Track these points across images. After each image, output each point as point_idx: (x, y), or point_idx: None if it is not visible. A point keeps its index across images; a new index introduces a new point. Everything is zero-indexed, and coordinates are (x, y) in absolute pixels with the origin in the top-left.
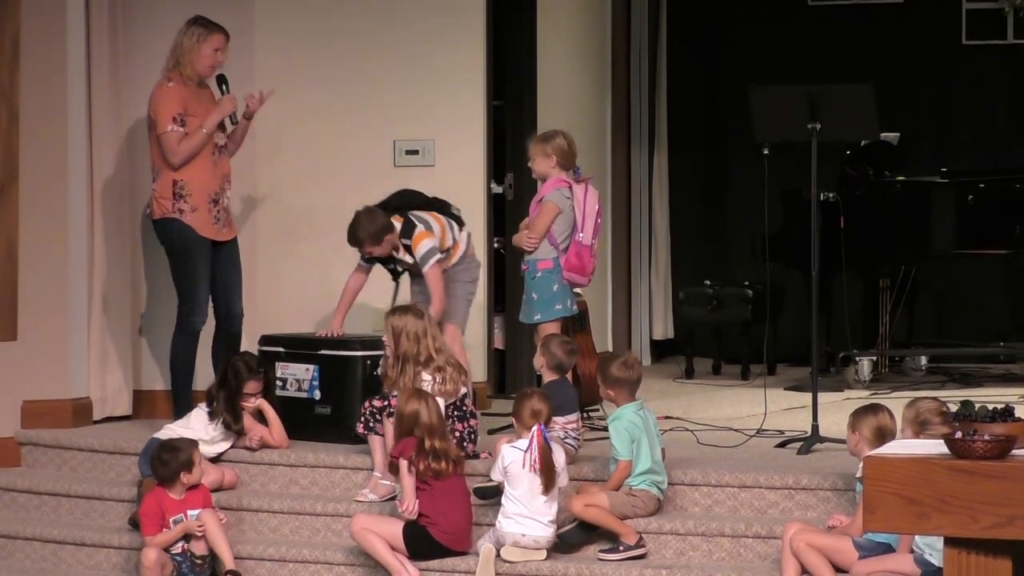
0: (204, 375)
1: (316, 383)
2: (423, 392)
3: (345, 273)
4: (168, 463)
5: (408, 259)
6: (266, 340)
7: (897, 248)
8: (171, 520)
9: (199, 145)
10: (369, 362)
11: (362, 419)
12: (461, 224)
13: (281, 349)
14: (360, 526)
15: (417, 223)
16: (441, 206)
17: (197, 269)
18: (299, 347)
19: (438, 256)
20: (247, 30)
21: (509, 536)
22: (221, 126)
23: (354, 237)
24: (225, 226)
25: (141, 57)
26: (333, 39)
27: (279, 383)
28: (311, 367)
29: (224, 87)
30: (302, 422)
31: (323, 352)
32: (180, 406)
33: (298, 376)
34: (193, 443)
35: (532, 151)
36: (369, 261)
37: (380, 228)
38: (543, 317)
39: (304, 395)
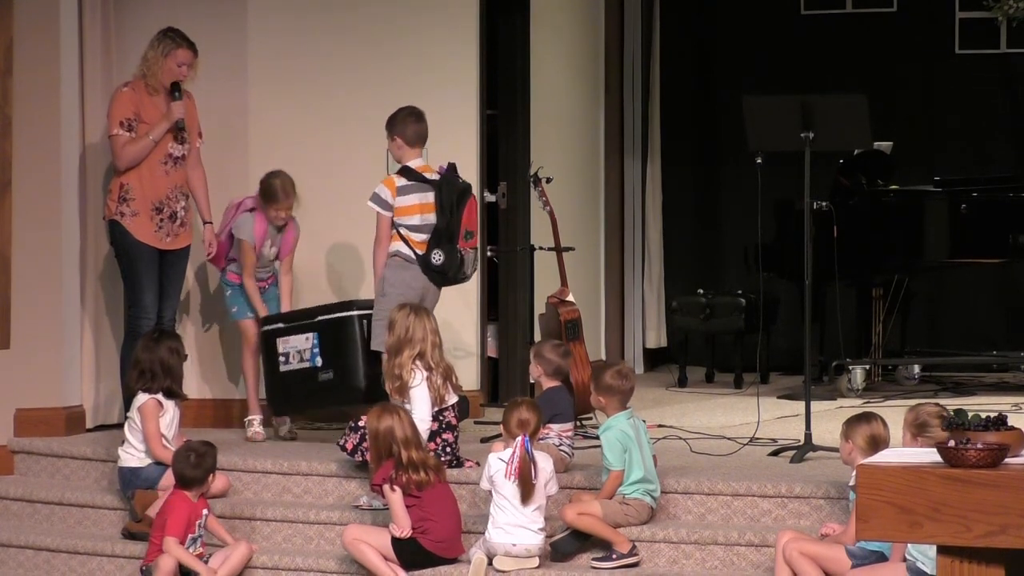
0: None
1: (317, 350)
2: (392, 406)
3: (343, 284)
4: (199, 465)
5: None
6: (266, 320)
7: (890, 257)
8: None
9: (143, 151)
10: (366, 321)
11: (348, 438)
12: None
13: (280, 324)
14: (352, 537)
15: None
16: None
17: (139, 273)
18: (297, 319)
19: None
20: (240, 41)
21: (499, 547)
22: (179, 138)
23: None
24: (171, 235)
25: (135, 66)
26: (327, 48)
27: (281, 359)
28: (310, 335)
29: (176, 94)
30: (308, 392)
31: (320, 318)
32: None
33: (299, 347)
34: (214, 445)
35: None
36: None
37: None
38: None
39: (307, 365)
